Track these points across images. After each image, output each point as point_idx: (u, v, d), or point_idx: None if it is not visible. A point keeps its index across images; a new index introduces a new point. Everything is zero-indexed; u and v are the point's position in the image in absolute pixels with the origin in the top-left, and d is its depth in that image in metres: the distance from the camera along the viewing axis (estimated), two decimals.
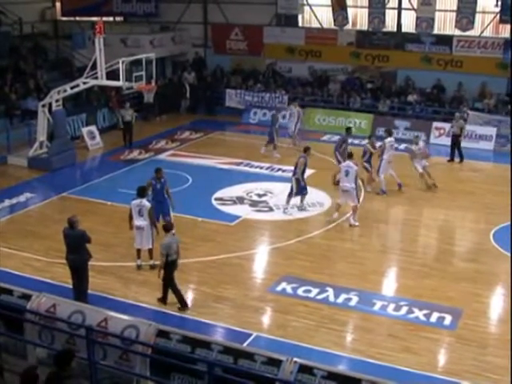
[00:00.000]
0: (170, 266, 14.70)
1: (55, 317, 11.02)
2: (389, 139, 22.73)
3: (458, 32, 31.55)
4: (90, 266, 15.01)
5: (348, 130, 24.54)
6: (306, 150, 20.92)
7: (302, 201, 20.82)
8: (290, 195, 20.56)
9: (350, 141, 24.14)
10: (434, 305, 15.18)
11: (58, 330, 10.84)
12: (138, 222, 16.48)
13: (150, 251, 16.71)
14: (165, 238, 14.85)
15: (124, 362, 10.35)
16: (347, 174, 19.66)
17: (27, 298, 11.53)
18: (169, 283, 14.80)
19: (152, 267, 16.54)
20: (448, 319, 14.64)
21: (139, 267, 16.80)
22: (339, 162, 22.20)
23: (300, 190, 20.52)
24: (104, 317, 10.83)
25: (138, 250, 16.82)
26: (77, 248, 14.64)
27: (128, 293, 15.61)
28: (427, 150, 23.36)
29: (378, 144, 23.34)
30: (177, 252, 14.80)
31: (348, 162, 19.97)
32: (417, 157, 22.71)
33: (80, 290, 14.67)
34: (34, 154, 25.35)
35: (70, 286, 14.90)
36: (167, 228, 15.08)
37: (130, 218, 16.64)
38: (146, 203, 16.45)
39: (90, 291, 14.90)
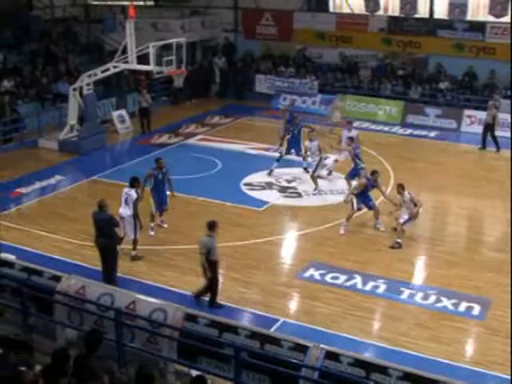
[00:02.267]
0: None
1: (84, 298, 11.13)
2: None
3: (491, 18, 31.12)
4: (118, 250, 15.15)
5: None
6: (373, 172, 18.60)
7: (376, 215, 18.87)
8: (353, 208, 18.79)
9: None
10: (463, 294, 15.09)
11: (86, 311, 10.94)
12: (121, 209, 16.16)
13: (133, 242, 16.42)
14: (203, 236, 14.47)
15: (152, 344, 10.43)
16: None
17: (57, 279, 11.65)
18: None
19: (133, 258, 16.47)
20: (477, 309, 14.55)
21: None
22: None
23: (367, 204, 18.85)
24: (132, 299, 10.91)
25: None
26: (106, 231, 14.76)
27: (156, 276, 15.70)
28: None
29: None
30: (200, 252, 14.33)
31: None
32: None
33: (109, 273, 14.79)
34: (64, 138, 25.55)
35: (100, 269, 15.03)
36: (210, 225, 14.38)
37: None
38: (132, 194, 16.09)
39: (118, 274, 15.04)
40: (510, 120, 27.68)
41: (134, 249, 16.51)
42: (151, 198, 17.79)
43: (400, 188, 17.78)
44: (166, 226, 18.44)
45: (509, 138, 26.15)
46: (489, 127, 26.25)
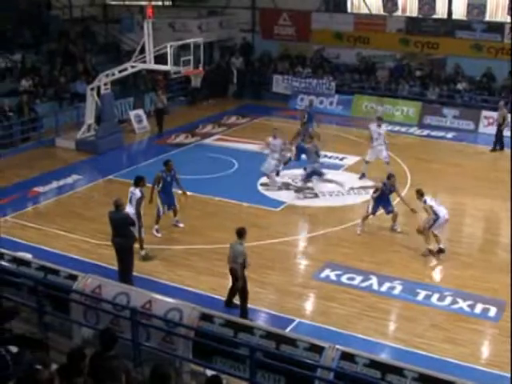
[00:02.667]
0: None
1: (100, 298, 11.18)
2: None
3: (510, 19, 30.94)
4: (134, 249, 15.20)
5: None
6: (390, 177, 18.43)
7: (394, 219, 18.63)
8: (368, 211, 18.53)
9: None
10: (479, 296, 15.03)
11: (102, 310, 10.99)
12: (126, 209, 15.96)
13: (139, 241, 16.31)
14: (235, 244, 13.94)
15: (167, 344, 10.45)
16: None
17: (73, 278, 11.71)
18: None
19: (144, 258, 16.44)
20: (493, 311, 14.48)
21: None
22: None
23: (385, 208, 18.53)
24: (148, 299, 10.94)
25: None
26: (122, 230, 14.81)
27: (172, 276, 15.74)
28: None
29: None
30: (231, 261, 13.93)
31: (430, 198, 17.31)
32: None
33: (125, 272, 14.83)
34: (81, 137, 25.67)
35: (116, 268, 15.08)
36: (236, 232, 13.94)
37: None
38: (136, 192, 16.09)
39: (134, 273, 15.08)
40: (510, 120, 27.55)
41: (142, 248, 16.51)
42: (158, 200, 17.77)
43: (418, 194, 17.24)
44: (182, 225, 18.47)
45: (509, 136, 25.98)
46: (500, 127, 26.25)
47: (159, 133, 28.04)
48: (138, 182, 16.38)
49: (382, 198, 18.31)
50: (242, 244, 13.85)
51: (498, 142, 26.26)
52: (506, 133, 26.23)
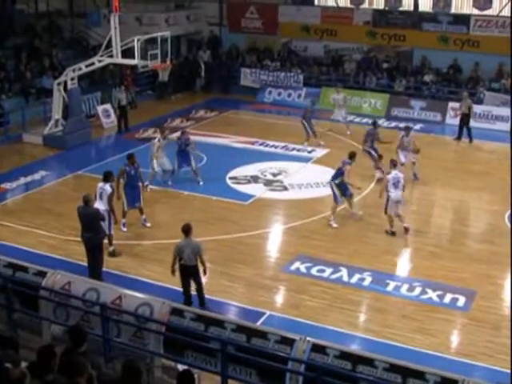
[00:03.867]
0: (181, 270, 13.90)
1: (70, 294, 11.11)
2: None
3: (475, 11, 31.26)
4: (104, 245, 15.10)
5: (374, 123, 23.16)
6: (352, 156, 18.80)
7: (350, 205, 19.00)
8: (336, 202, 18.64)
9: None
10: (448, 286, 15.17)
11: (72, 307, 10.92)
12: (95, 204, 15.68)
13: (108, 238, 16.18)
14: (180, 240, 13.96)
15: (138, 339, 10.44)
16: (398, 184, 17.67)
17: (42, 275, 11.62)
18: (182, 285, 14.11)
19: (111, 254, 16.30)
20: (462, 300, 14.63)
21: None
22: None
23: (343, 192, 18.69)
24: (118, 294, 10.91)
25: None
26: (91, 226, 14.71)
27: (142, 271, 15.67)
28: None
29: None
30: (192, 259, 13.71)
31: (396, 172, 17.92)
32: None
33: (95, 268, 14.74)
34: (49, 132, 25.43)
35: (85, 264, 14.98)
36: (184, 230, 13.90)
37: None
38: (107, 188, 15.93)
39: (104, 269, 15.00)
40: (496, 113, 27.90)
41: (111, 244, 16.39)
42: (123, 195, 17.63)
43: (391, 163, 18.21)
44: (149, 224, 18.20)
45: (494, 130, 26.28)
46: (465, 118, 26.48)
47: (125, 129, 27.72)
48: (108, 177, 16.24)
49: (344, 183, 18.47)
50: (192, 239, 13.77)
51: (467, 134, 26.48)
52: (489, 125, 26.69)
